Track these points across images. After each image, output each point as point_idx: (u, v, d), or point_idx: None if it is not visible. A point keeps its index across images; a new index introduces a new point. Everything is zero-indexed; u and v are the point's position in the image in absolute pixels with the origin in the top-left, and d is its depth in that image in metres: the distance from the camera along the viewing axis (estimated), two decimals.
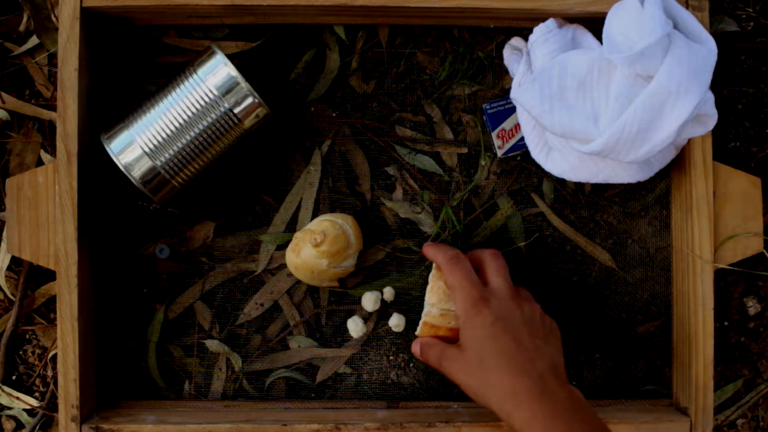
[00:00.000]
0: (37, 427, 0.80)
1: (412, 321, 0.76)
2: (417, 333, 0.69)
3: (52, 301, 0.81)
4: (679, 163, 0.74)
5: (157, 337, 0.76)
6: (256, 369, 0.76)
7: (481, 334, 0.62)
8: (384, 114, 0.77)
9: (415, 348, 0.69)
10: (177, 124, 0.68)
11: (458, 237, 0.76)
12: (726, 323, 0.83)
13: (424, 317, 0.68)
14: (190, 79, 0.68)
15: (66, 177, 0.69)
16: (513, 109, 0.76)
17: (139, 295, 0.76)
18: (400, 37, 0.77)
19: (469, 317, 0.63)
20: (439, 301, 0.67)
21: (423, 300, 0.71)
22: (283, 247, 0.76)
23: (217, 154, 0.71)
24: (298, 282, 0.76)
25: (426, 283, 0.71)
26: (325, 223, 0.72)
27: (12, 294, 0.81)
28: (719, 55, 0.67)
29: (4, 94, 0.80)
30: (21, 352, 0.82)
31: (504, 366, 0.60)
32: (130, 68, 0.76)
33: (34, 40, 0.80)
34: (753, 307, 0.83)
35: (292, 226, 0.76)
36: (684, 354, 0.74)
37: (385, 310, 0.76)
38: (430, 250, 0.69)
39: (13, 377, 0.81)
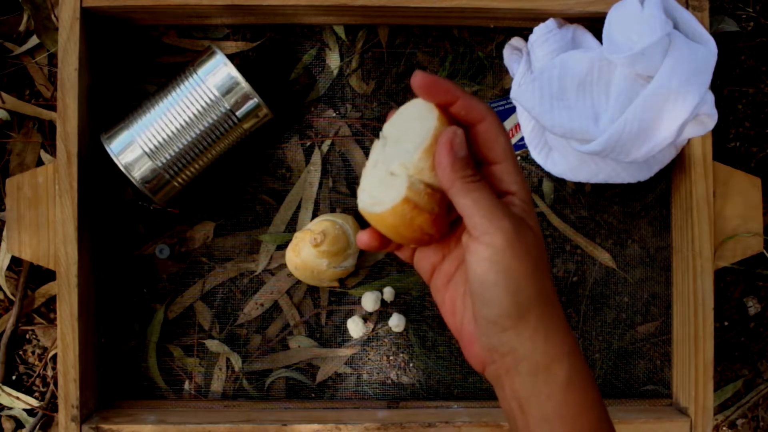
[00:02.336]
0: (37, 427, 0.80)
1: (412, 321, 0.76)
2: (371, 210, 0.42)
3: (52, 301, 0.81)
4: (679, 163, 0.74)
5: (157, 337, 0.76)
6: (256, 369, 0.76)
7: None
8: (384, 114, 0.77)
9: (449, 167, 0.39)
10: (177, 125, 0.68)
11: None
12: (726, 323, 0.83)
13: (407, 191, 0.40)
14: (190, 79, 0.68)
15: (66, 177, 0.69)
16: (513, 109, 0.76)
17: (139, 295, 0.76)
18: (400, 37, 0.77)
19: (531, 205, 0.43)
20: (432, 168, 0.41)
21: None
22: (283, 247, 0.76)
23: (217, 154, 0.71)
24: (298, 282, 0.76)
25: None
26: (325, 223, 0.72)
27: (12, 294, 0.81)
28: (719, 55, 0.67)
29: (4, 94, 0.80)
30: (21, 352, 0.82)
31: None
32: (130, 68, 0.76)
33: (34, 40, 0.80)
34: (753, 307, 0.83)
35: (292, 226, 0.76)
36: (684, 354, 0.74)
37: (385, 310, 0.76)
38: (448, 86, 0.41)
39: (13, 377, 0.81)
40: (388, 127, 0.44)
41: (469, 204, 0.39)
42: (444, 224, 0.42)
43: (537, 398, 0.40)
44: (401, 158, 0.41)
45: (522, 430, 0.41)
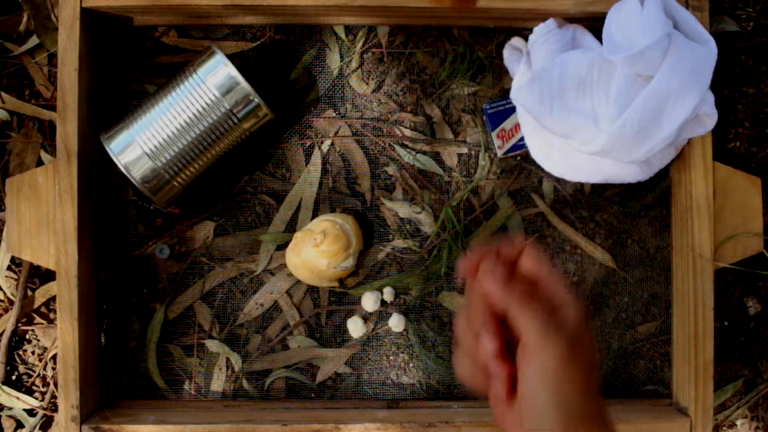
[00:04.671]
0: (37, 427, 0.80)
1: (412, 321, 0.76)
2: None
3: (52, 301, 0.81)
4: (679, 163, 0.74)
5: (157, 337, 0.76)
6: (256, 369, 0.76)
7: None
8: (384, 114, 0.77)
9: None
10: (177, 125, 0.68)
11: (458, 237, 0.76)
12: (726, 323, 0.83)
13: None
14: (190, 79, 0.68)
15: (66, 177, 0.69)
16: (513, 109, 0.76)
17: (139, 295, 0.76)
18: (400, 37, 0.77)
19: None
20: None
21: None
22: (283, 247, 0.76)
23: (217, 154, 0.71)
24: (298, 282, 0.76)
25: None
26: (325, 223, 0.72)
27: (12, 294, 0.81)
28: (719, 55, 0.67)
29: (4, 94, 0.80)
30: (21, 352, 0.81)
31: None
32: (130, 68, 0.76)
33: (34, 40, 0.80)
34: (753, 307, 0.83)
35: (292, 226, 0.76)
36: (684, 354, 0.74)
37: (385, 310, 0.76)
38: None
39: (13, 377, 0.81)
40: None
41: (523, 324, 0.41)
42: None
43: None
44: None
45: None
